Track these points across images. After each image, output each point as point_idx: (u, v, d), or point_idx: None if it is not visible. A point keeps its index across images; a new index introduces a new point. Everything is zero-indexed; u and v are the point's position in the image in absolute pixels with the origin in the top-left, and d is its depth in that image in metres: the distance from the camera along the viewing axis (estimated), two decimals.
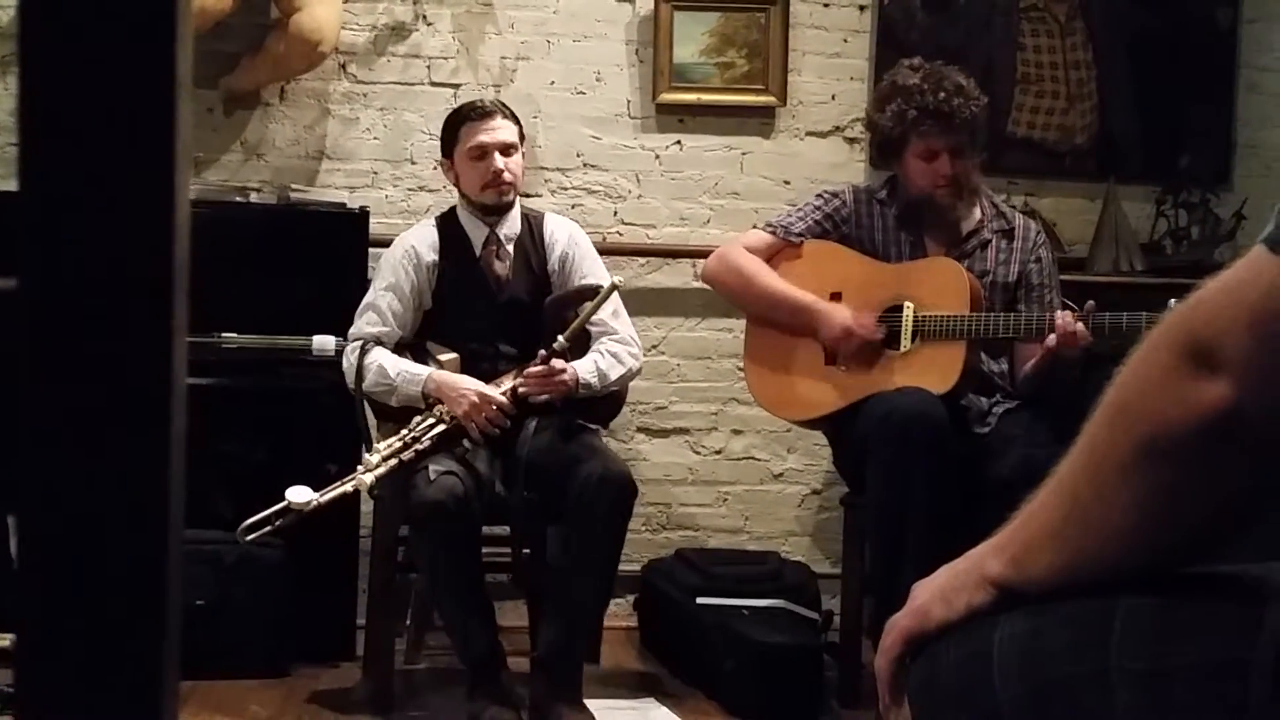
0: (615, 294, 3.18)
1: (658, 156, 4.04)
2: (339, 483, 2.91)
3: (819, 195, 3.35)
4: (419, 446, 2.98)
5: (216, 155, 3.88)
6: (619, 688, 3.37)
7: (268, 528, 2.85)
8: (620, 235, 4.02)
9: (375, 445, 3.02)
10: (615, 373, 3.18)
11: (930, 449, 2.90)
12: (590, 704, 3.01)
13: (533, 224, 3.33)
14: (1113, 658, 0.85)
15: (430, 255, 3.24)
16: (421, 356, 3.19)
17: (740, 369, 3.56)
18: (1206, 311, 0.83)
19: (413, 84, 3.95)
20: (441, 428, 3.02)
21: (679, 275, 4.05)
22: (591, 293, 3.12)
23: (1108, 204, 4.06)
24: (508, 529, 3.31)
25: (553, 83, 3.99)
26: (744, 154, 4.07)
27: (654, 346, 4.01)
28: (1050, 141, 4.16)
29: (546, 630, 3.03)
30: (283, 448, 3.45)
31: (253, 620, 3.31)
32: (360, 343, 3.15)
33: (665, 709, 3.21)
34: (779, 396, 3.29)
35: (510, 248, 3.28)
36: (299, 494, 2.86)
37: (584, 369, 3.12)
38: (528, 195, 3.83)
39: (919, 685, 1.00)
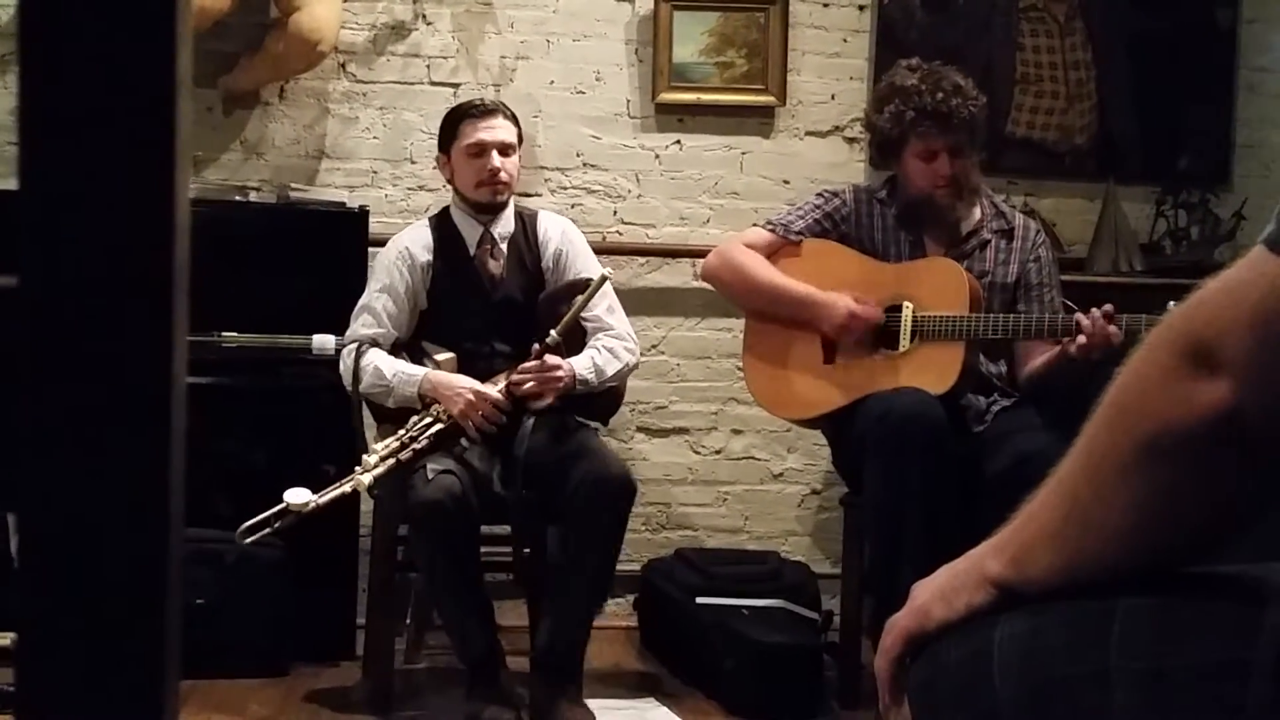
0: (610, 290, 3.17)
1: (657, 156, 4.04)
2: (337, 484, 2.91)
3: (819, 194, 3.34)
4: (416, 446, 2.98)
5: (216, 154, 3.88)
6: (619, 687, 3.37)
7: (266, 530, 2.85)
8: (620, 235, 4.02)
9: (373, 446, 3.01)
10: (612, 368, 3.18)
11: (927, 449, 2.90)
12: (590, 703, 3.01)
13: (526, 222, 3.32)
14: (1112, 658, 0.85)
15: (424, 255, 3.24)
16: (418, 357, 3.19)
17: (740, 368, 3.56)
18: (1206, 312, 0.83)
19: (412, 83, 3.94)
20: (439, 427, 3.02)
21: (679, 275, 4.05)
22: (583, 286, 3.12)
23: (1107, 204, 4.06)
24: (508, 528, 3.30)
25: (552, 82, 3.99)
26: (743, 154, 4.07)
27: (654, 346, 4.01)
28: (1050, 141, 4.16)
29: (546, 629, 3.03)
30: (283, 446, 3.46)
31: (253, 620, 3.31)
32: (356, 345, 3.15)
33: (665, 709, 3.21)
34: (778, 395, 3.29)
35: (504, 246, 3.28)
36: (297, 495, 2.85)
37: (580, 365, 3.12)
38: (527, 195, 3.83)
39: (919, 685, 1.00)
